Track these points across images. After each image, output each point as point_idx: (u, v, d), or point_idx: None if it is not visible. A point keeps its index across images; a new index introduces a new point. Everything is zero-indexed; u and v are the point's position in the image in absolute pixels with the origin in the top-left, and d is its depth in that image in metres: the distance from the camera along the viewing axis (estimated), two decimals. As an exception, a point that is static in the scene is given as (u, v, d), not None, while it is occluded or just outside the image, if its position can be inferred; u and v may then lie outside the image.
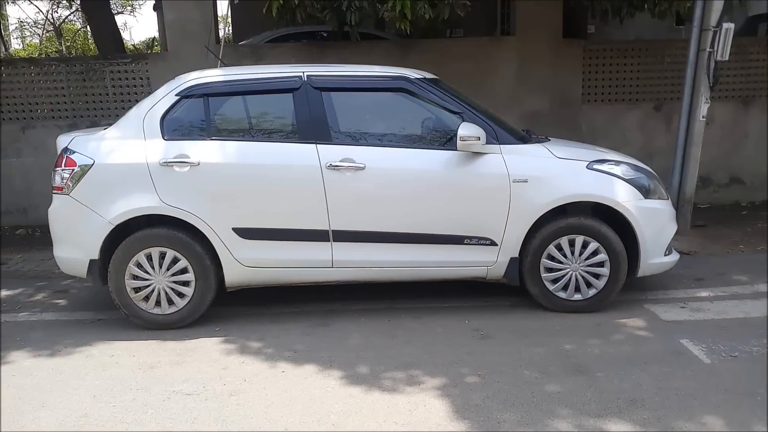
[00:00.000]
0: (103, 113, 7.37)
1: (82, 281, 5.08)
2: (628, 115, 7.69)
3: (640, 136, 7.67)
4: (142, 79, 7.36)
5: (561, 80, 7.59)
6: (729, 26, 5.82)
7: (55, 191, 4.18)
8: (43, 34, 22.45)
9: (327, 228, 4.12)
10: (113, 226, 4.05)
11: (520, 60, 7.51)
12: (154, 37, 17.63)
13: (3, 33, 20.01)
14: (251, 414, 3.04)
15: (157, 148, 4.10)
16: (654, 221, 4.21)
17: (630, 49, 7.61)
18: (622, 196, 4.14)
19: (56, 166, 4.17)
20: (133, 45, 19.74)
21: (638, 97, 7.68)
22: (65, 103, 7.39)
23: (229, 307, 4.45)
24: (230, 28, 12.81)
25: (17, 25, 23.43)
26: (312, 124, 4.18)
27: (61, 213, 4.18)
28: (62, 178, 4.12)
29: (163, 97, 4.21)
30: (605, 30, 10.80)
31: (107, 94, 7.38)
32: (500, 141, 4.15)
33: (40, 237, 6.99)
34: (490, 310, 4.31)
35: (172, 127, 4.17)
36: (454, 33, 10.47)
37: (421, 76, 4.34)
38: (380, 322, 4.17)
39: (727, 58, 5.93)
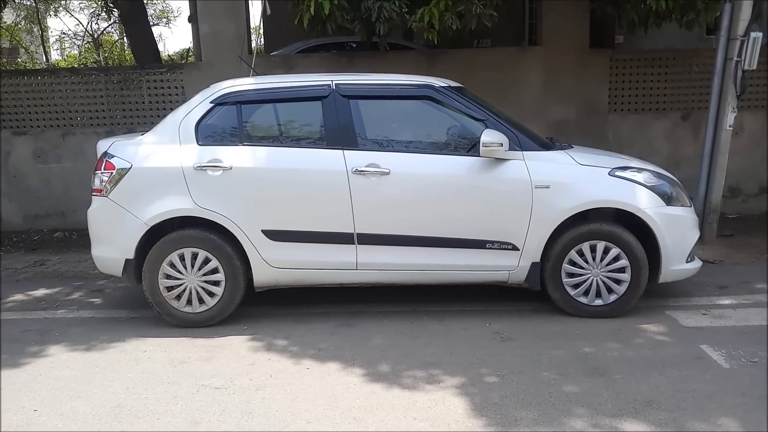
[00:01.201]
0: (139, 121, 7.64)
1: (117, 281, 5.32)
2: (655, 124, 7.68)
3: (667, 145, 7.65)
4: (177, 88, 7.61)
5: (587, 89, 7.62)
6: (757, 35, 5.81)
7: (94, 193, 4.38)
8: (82, 45, 23.16)
9: (352, 231, 4.24)
10: (148, 227, 4.23)
11: (547, 69, 7.57)
12: (189, 47, 18.08)
13: (45, 44, 20.72)
14: (276, 407, 3.16)
15: (191, 153, 4.28)
16: (676, 228, 4.24)
17: (657, 58, 7.62)
18: (644, 203, 4.18)
19: (96, 170, 4.37)
20: (168, 55, 20.24)
21: (665, 107, 7.67)
22: (103, 110, 7.67)
23: (256, 307, 4.60)
24: (262, 39, 13.09)
25: (58, 36, 24.25)
26: (339, 130, 4.31)
27: (99, 214, 4.38)
28: (101, 181, 4.32)
29: (198, 104, 4.40)
30: (633, 40, 10.76)
31: (143, 103, 7.65)
32: (523, 147, 4.23)
33: (76, 240, 7.26)
34: (512, 314, 4.38)
35: (206, 133, 4.35)
36: (482, 43, 10.56)
37: (446, 85, 4.45)
38: (403, 324, 4.27)
39: (754, 67, 5.91)
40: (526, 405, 3.10)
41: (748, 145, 7.49)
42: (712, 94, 6.15)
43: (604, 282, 4.24)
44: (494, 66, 7.52)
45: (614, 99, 7.69)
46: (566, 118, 7.59)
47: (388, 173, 4.21)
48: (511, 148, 4.16)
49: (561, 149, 4.43)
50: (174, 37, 41.29)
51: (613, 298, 4.25)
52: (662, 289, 4.59)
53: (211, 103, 4.40)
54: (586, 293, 4.27)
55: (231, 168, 4.24)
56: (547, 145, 4.42)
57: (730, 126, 6.06)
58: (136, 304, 4.84)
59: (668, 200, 4.26)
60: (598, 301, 4.26)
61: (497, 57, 7.70)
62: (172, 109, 7.10)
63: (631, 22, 7.18)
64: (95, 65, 18.41)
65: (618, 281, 4.23)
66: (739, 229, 6.74)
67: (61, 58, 23.43)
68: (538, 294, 4.38)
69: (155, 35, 10.07)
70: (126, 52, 20.42)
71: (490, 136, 4.09)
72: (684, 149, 7.60)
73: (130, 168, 4.29)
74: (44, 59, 21.65)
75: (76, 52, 23.34)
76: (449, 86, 4.46)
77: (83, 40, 22.97)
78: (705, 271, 4.53)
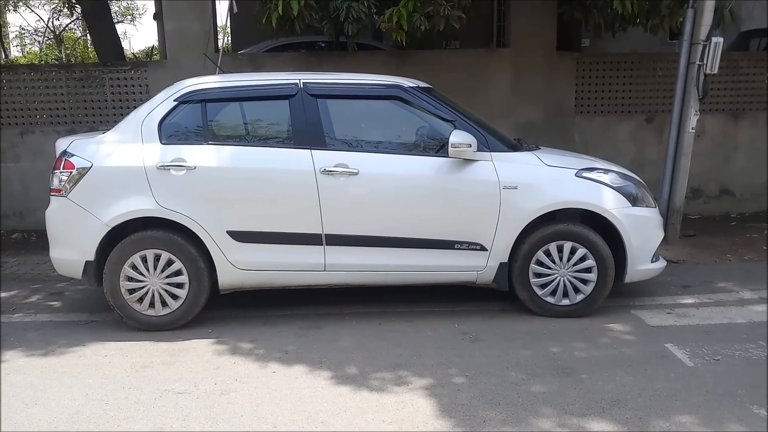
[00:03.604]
0: (101, 119, 7.45)
1: (76, 284, 5.16)
2: (620, 127, 7.79)
3: (632, 147, 7.76)
4: (141, 86, 7.44)
5: (555, 92, 7.69)
6: (718, 40, 5.93)
7: (52, 193, 4.24)
8: (43, 41, 22.59)
9: (320, 232, 4.19)
10: (109, 228, 4.12)
11: (515, 71, 7.62)
12: (153, 45, 17.77)
13: (3, 40, 20.14)
14: (241, 412, 3.09)
15: (154, 152, 4.17)
16: (641, 228, 4.29)
17: (622, 62, 7.73)
18: (610, 204, 4.22)
19: (55, 169, 4.24)
20: (133, 53, 19.87)
21: (630, 109, 7.79)
22: (64, 109, 7.46)
23: (221, 310, 4.51)
24: (229, 38, 12.92)
25: (17, 32, 23.61)
26: (307, 130, 4.26)
27: (58, 215, 4.24)
28: (60, 181, 4.19)
29: (162, 102, 4.30)
30: (599, 44, 10.94)
31: (106, 101, 7.46)
32: (491, 148, 4.24)
33: (35, 241, 7.04)
34: (480, 315, 4.37)
35: (170, 132, 4.25)
36: (450, 45, 10.59)
37: (414, 85, 4.43)
38: (371, 326, 4.23)
39: (716, 71, 6.04)
40: (494, 405, 3.09)
41: (709, 148, 7.64)
42: (676, 98, 6.26)
43: (571, 282, 4.27)
44: (463, 67, 7.53)
45: (580, 101, 7.78)
46: (533, 120, 7.65)
47: (356, 173, 4.16)
48: (479, 149, 4.16)
49: (529, 150, 4.45)
50: (139, 35, 40.65)
51: (579, 297, 4.28)
52: (627, 288, 4.65)
53: (174, 101, 4.30)
54: (553, 293, 4.29)
55: (195, 167, 4.15)
56: (515, 147, 4.44)
57: (693, 129, 6.17)
58: (96, 307, 4.70)
59: (633, 201, 4.31)
60: (565, 301, 4.29)
61: (466, 58, 7.72)
62: (135, 108, 6.96)
63: (598, 26, 7.28)
64: (56, 62, 17.95)
65: (585, 281, 4.26)
66: (701, 230, 6.87)
67: (21, 54, 22.79)
68: (505, 294, 4.38)
69: (119, 33, 9.87)
70: (89, 49, 19.96)
71: (458, 137, 4.08)
72: (648, 151, 7.73)
73: (90, 167, 4.17)
74: (2, 56, 21.03)
75: (36, 48, 22.76)
76: (418, 86, 4.45)
77: (44, 37, 22.41)
78: (669, 270, 4.60)
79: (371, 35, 9.63)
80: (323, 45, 9.26)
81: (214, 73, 5.36)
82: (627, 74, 7.72)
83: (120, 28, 20.42)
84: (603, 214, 4.21)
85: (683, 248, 6.06)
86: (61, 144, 4.36)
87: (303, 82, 4.34)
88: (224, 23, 12.70)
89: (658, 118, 7.75)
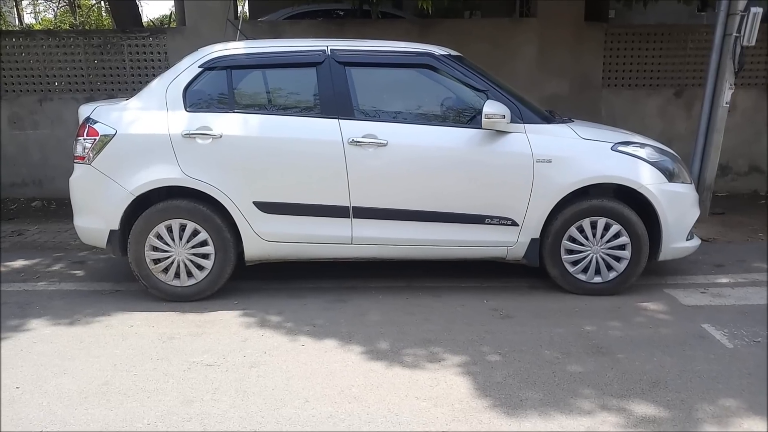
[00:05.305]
0: (120, 87, 7.37)
1: (98, 252, 5.15)
2: (649, 101, 7.61)
3: (659, 121, 7.59)
4: (159, 53, 7.33)
5: (582, 64, 7.51)
6: (757, 11, 5.72)
7: (76, 161, 4.17)
8: (58, 8, 22.39)
9: (348, 204, 4.10)
10: (134, 197, 4.05)
11: (541, 42, 7.43)
12: (169, 13, 17.54)
13: (18, 7, 20.00)
14: (272, 385, 3.04)
15: (179, 120, 4.08)
16: (677, 205, 4.17)
17: (653, 33, 7.51)
18: (647, 179, 4.09)
19: (78, 136, 4.16)
20: (147, 22, 19.66)
21: (659, 83, 7.59)
22: (82, 76, 7.38)
23: (246, 281, 4.45)
24: (246, 5, 12.72)
25: (30, 0, 23.40)
26: (335, 99, 4.14)
27: (82, 183, 4.17)
28: (84, 148, 4.11)
29: (186, 68, 4.18)
30: (625, 15, 10.66)
31: (124, 68, 7.37)
32: (525, 120, 4.11)
33: (55, 209, 7.04)
34: (508, 291, 4.29)
35: (195, 99, 4.15)
36: (473, 15, 10.36)
37: (446, 53, 4.29)
38: (399, 300, 4.16)
39: (753, 43, 5.85)
40: (530, 385, 3.01)
41: (740, 123, 7.44)
42: (710, 71, 6.07)
43: (603, 259, 4.16)
44: (488, 37, 7.35)
45: (608, 74, 7.60)
46: (559, 93, 7.48)
47: (385, 144, 4.05)
48: (512, 121, 4.04)
49: (562, 123, 4.31)
50: (153, 2, 40.15)
51: (612, 275, 4.18)
52: (658, 267, 4.54)
53: (199, 67, 4.19)
54: (585, 270, 4.19)
55: (221, 136, 4.06)
56: (548, 119, 4.29)
57: (727, 103, 6.00)
58: (120, 276, 4.67)
59: (670, 176, 4.18)
60: (597, 279, 4.19)
61: (491, 28, 7.53)
62: (154, 76, 6.85)
63: (630, -5, 7.07)
64: (73, 29, 17.81)
65: (618, 258, 4.16)
66: (730, 208, 6.72)
67: (35, 21, 22.63)
68: (532, 270, 4.30)
69: None
70: (104, 17, 19.79)
71: (492, 108, 3.95)
72: (677, 126, 7.55)
73: (114, 134, 4.08)
74: (17, 23, 20.89)
75: (51, 15, 22.58)
76: (449, 55, 4.31)
77: (58, 4, 22.20)
78: (700, 249, 4.46)
79: (392, 3, 9.43)
80: (341, 13, 9.09)
81: (233, 40, 5.23)
82: (657, 46, 7.51)
83: (134, -5, 20.17)
84: (639, 190, 4.08)
85: (713, 226, 5.92)
86: (85, 110, 4.27)
87: (331, 49, 4.21)
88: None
89: (687, 92, 7.56)
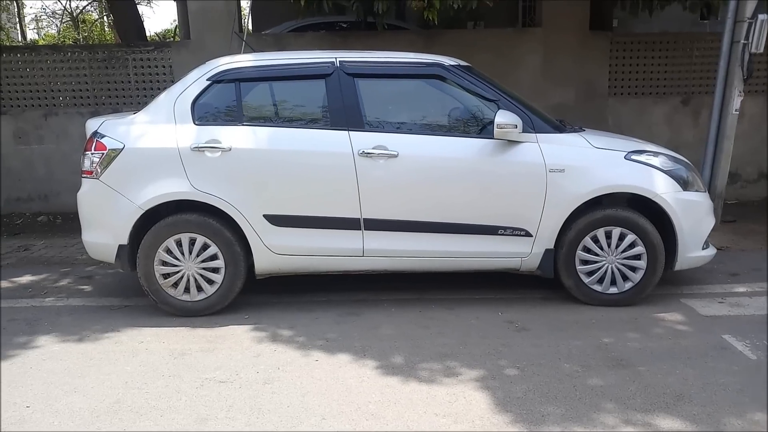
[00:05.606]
0: (125, 101, 7.35)
1: (106, 267, 5.10)
2: (655, 109, 7.58)
3: (667, 129, 7.55)
4: (164, 67, 7.32)
5: (587, 73, 7.48)
6: (764, 18, 5.68)
7: (84, 175, 4.13)
8: (61, 23, 22.48)
9: (359, 216, 4.05)
10: (143, 212, 4.00)
11: (546, 52, 7.41)
12: (173, 27, 17.60)
13: (21, 22, 20.07)
14: (287, 402, 2.98)
15: (188, 133, 4.04)
16: (692, 214, 4.11)
17: (658, 41, 7.49)
18: (661, 188, 4.04)
19: (86, 150, 4.12)
20: (152, 35, 19.72)
21: (666, 91, 7.57)
22: (87, 90, 7.36)
23: (256, 295, 4.40)
24: (249, 18, 12.73)
25: (34, 16, 23.52)
26: (344, 110, 4.11)
27: (90, 197, 4.13)
28: (92, 162, 4.07)
29: (194, 81, 4.15)
30: (627, 23, 10.66)
31: (129, 82, 7.35)
32: (536, 130, 4.07)
33: (61, 224, 7.00)
34: (522, 303, 4.23)
35: (203, 112, 4.12)
36: (477, 25, 10.37)
37: (455, 63, 4.26)
38: (411, 313, 4.10)
39: (761, 50, 5.80)
40: (551, 399, 2.95)
41: (747, 131, 7.40)
42: (718, 78, 6.02)
43: (619, 269, 4.10)
44: (492, 48, 7.33)
45: (614, 82, 7.57)
46: (565, 102, 7.44)
47: (396, 156, 4.01)
48: (524, 130, 4.00)
49: (574, 132, 4.27)
50: (155, 17, 40.28)
51: (628, 285, 4.12)
52: (673, 276, 4.48)
53: (208, 80, 4.16)
54: (600, 281, 4.13)
55: (230, 149, 4.02)
56: (559, 128, 4.25)
57: (736, 110, 5.94)
58: (128, 291, 4.62)
59: (684, 185, 4.13)
60: (613, 289, 4.13)
61: (495, 38, 7.52)
62: (159, 89, 6.84)
63: (635, 3, 7.05)
64: (76, 44, 17.85)
65: (633, 268, 4.10)
66: (740, 215, 6.67)
67: (38, 37, 22.72)
68: (545, 281, 4.24)
69: (139, 13, 9.68)
70: (107, 31, 19.86)
71: (504, 117, 3.91)
72: (684, 134, 7.51)
73: (122, 148, 4.05)
74: (20, 39, 20.97)
75: (54, 31, 22.65)
76: (459, 65, 4.28)
77: (62, 19, 22.29)
78: (714, 258, 4.40)
79: (395, 14, 9.43)
80: (344, 25, 9.08)
81: (238, 53, 5.21)
82: (662, 54, 7.50)
83: (136, 10, 20.21)
84: (653, 199, 4.03)
85: (725, 234, 5.87)
86: (92, 124, 4.23)
87: (339, 61, 4.18)
88: (248, 3, 12.51)
89: (694, 99, 7.53)
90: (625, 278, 4.12)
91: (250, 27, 12.03)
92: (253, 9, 12.06)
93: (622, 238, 4.07)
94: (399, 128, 4.18)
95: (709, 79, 7.25)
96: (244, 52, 5.24)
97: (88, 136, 4.18)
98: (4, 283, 4.93)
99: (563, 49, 7.38)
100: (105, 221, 4.10)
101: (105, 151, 4.05)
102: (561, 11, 7.33)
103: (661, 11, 7.24)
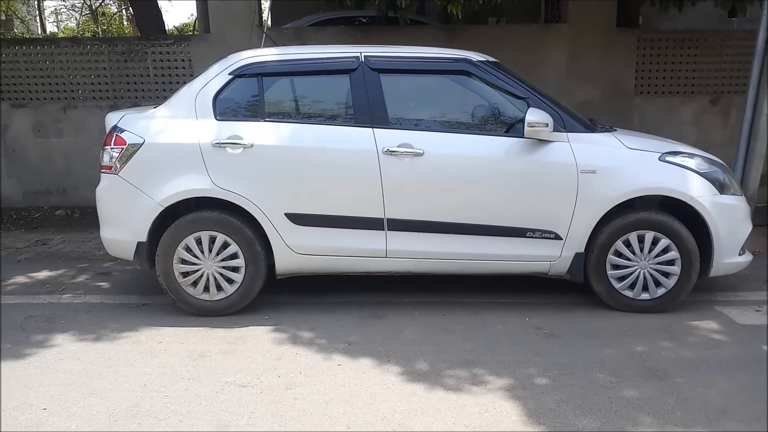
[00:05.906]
0: (144, 95, 7.28)
1: (124, 264, 5.02)
2: (683, 108, 7.38)
3: (694, 130, 7.35)
4: (184, 60, 7.24)
5: (613, 70, 7.30)
6: (802, 15, 5.49)
7: (103, 170, 4.05)
8: (80, 17, 22.56)
9: (382, 216, 3.94)
10: (163, 208, 3.92)
11: (572, 49, 7.24)
12: (192, 21, 17.56)
13: (41, 16, 20.17)
14: (310, 410, 2.88)
15: (209, 129, 3.95)
16: (729, 218, 3.96)
17: (687, 39, 7.29)
18: (697, 191, 3.89)
19: (105, 145, 4.04)
20: (171, 28, 19.73)
21: (694, 90, 7.37)
22: (106, 83, 7.30)
23: (276, 295, 4.30)
24: (269, 12, 12.65)
25: (54, 8, 23.64)
26: (369, 107, 3.99)
27: (109, 193, 4.06)
28: (111, 157, 3.99)
29: (216, 75, 4.06)
30: (653, 21, 10.44)
31: (149, 76, 7.28)
32: (567, 129, 3.93)
33: (79, 218, 6.96)
34: (550, 308, 4.10)
35: (225, 107, 4.02)
36: (499, 21, 10.19)
37: (484, 59, 4.13)
38: (435, 316, 3.98)
39: (798, 48, 5.60)
40: (585, 411, 2.82)
41: (779, 132, 7.16)
42: (752, 77, 5.82)
43: (651, 275, 3.96)
44: (516, 44, 7.17)
45: (641, 81, 7.39)
46: (591, 100, 7.27)
47: (421, 154, 3.89)
48: (555, 129, 3.86)
49: (606, 132, 4.13)
50: (173, 11, 40.33)
51: (661, 292, 3.97)
52: (706, 283, 4.31)
53: (230, 74, 4.06)
54: (631, 286, 3.99)
55: (252, 146, 3.92)
56: (591, 127, 4.10)
57: (770, 111, 5.76)
58: (146, 289, 4.54)
59: (721, 188, 3.97)
60: (645, 295, 3.99)
61: (520, 34, 7.35)
62: (178, 83, 6.76)
63: (665, 0, 6.87)
64: (95, 37, 17.90)
65: (667, 274, 3.95)
66: (771, 219, 6.45)
67: (58, 30, 22.82)
68: (574, 285, 4.11)
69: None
70: (126, 25, 19.89)
71: (535, 116, 3.77)
72: (713, 135, 7.31)
73: (142, 143, 3.96)
74: (40, 31, 21.07)
75: (73, 24, 22.75)
76: (487, 61, 4.15)
77: (81, 12, 22.37)
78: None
79: (415, 9, 9.29)
80: (364, 20, 8.96)
81: (258, 47, 5.11)
82: (691, 53, 7.29)
83: (154, 4, 20.24)
84: (689, 202, 3.88)
85: (757, 239, 5.64)
86: (111, 118, 4.16)
87: (364, 56, 4.06)
88: (268, -3, 12.42)
89: (724, 99, 7.33)
90: (657, 284, 3.97)
91: (269, 21, 11.97)
92: (273, 3, 12.00)
93: (655, 242, 3.93)
94: (425, 126, 4.06)
95: (739, 78, 7.04)
96: (265, 46, 5.15)
97: (107, 131, 4.11)
98: (22, 279, 4.87)
99: (589, 46, 7.20)
100: (124, 218, 4.02)
101: (125, 146, 3.97)
102: (587, 8, 7.15)
103: (692, 6, 7.06)
